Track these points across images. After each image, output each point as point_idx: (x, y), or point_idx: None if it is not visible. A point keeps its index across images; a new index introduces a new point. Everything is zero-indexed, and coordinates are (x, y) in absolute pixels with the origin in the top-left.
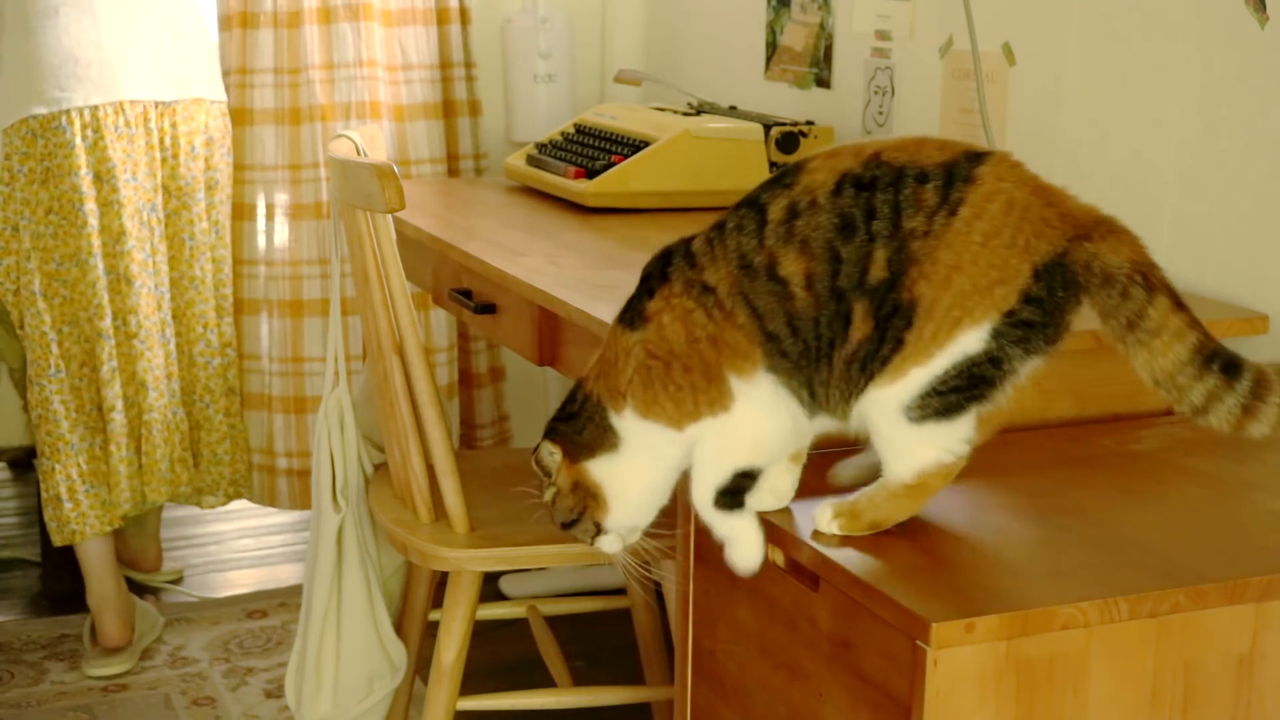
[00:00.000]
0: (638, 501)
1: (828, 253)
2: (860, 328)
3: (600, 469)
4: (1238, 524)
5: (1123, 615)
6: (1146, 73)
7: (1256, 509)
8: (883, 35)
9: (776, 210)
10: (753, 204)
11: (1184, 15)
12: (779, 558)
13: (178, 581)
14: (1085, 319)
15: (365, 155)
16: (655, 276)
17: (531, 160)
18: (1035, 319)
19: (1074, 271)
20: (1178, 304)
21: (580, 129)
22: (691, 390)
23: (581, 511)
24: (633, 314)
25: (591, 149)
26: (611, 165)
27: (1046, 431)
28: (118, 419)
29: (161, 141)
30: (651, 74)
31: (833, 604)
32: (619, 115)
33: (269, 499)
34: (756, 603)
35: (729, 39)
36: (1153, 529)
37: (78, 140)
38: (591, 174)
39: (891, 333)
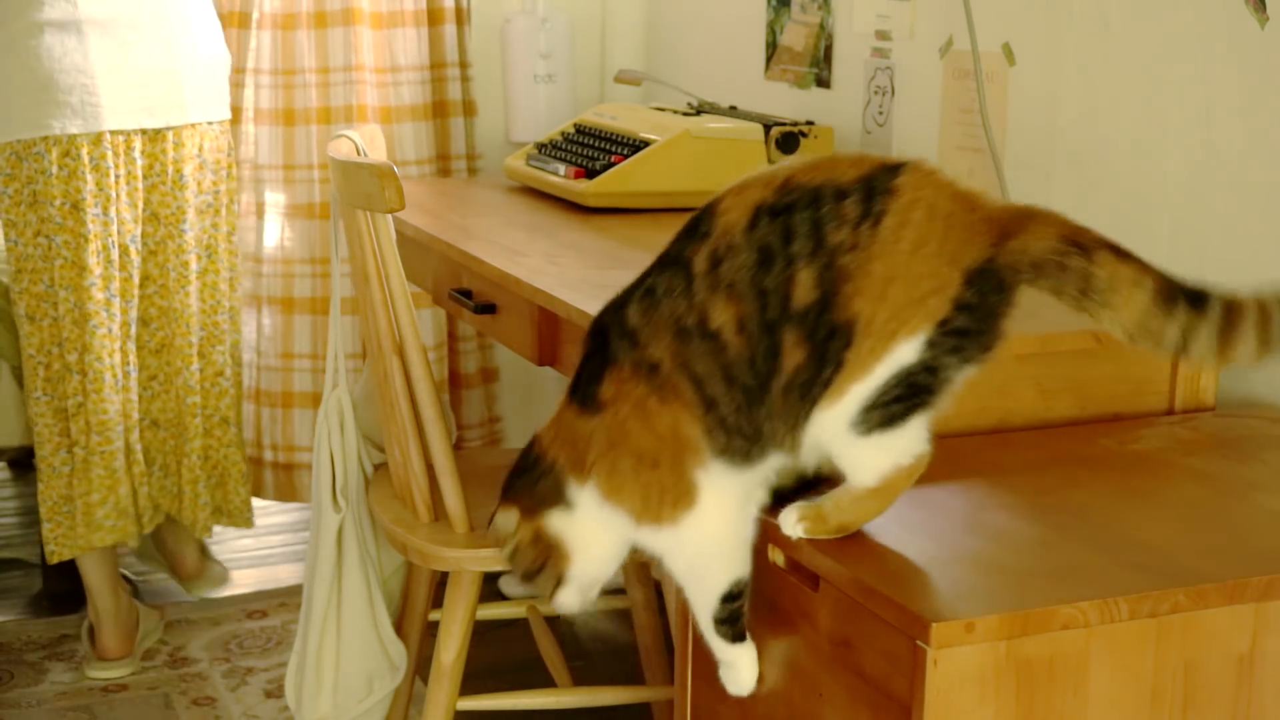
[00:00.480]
0: (600, 556)
1: (753, 290)
2: (792, 355)
3: (560, 522)
4: (1238, 524)
5: (1123, 615)
6: (1146, 73)
7: (1256, 509)
8: (883, 35)
9: (700, 263)
10: (677, 260)
11: (1184, 15)
12: (779, 558)
13: (221, 582)
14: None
15: (365, 155)
16: (599, 354)
17: (531, 160)
18: (969, 326)
19: (1003, 275)
20: (1122, 255)
21: (580, 129)
22: (659, 488)
23: (544, 562)
24: (585, 395)
25: (591, 149)
26: (611, 165)
27: (1046, 431)
28: (79, 454)
29: (150, 169)
30: (651, 74)
31: (833, 604)
32: (619, 115)
33: (255, 490)
34: (757, 603)
35: (729, 39)
36: (1153, 529)
37: (54, 169)
38: (591, 174)
39: (831, 355)
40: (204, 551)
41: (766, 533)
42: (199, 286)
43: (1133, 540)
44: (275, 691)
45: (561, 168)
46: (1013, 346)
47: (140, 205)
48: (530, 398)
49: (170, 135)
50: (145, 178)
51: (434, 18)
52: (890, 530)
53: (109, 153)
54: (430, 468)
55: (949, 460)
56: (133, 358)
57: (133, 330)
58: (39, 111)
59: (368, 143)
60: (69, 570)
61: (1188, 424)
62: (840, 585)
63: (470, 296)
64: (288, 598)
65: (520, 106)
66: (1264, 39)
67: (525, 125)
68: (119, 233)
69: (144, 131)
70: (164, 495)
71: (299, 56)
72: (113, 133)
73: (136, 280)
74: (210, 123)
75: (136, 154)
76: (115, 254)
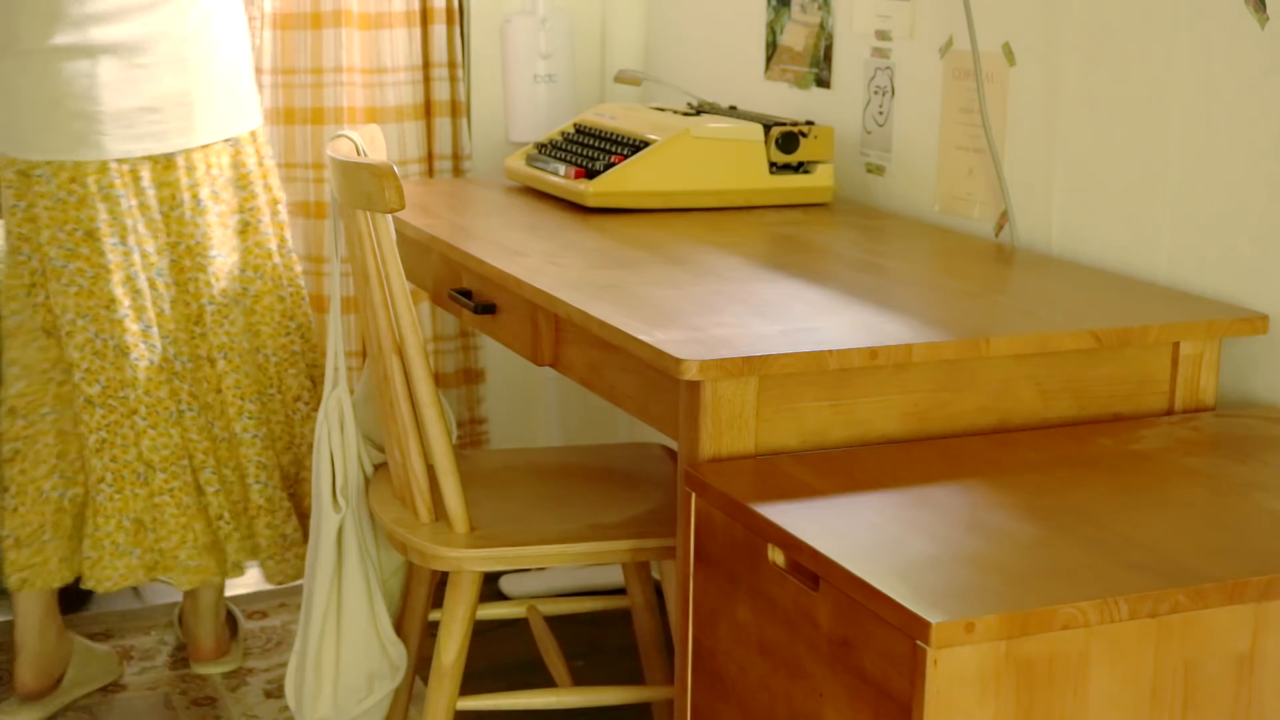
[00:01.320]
0: None
1: None
2: None
3: None
4: (1238, 524)
5: (1123, 615)
6: (1146, 73)
7: (1256, 509)
8: (883, 35)
9: None
10: None
11: (1184, 15)
12: (779, 558)
13: (229, 673)
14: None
15: (365, 155)
16: None
17: (532, 160)
18: None
19: None
20: None
21: (580, 129)
22: None
23: None
24: None
25: (591, 149)
26: (611, 165)
27: (1046, 431)
28: (106, 491)
29: (167, 198)
30: (651, 74)
31: (833, 604)
32: (619, 115)
33: None
34: (756, 603)
35: (729, 39)
36: (1153, 529)
37: (61, 194)
38: (591, 174)
39: None
40: (234, 631)
41: (766, 532)
42: (259, 309)
43: (1133, 540)
44: (275, 691)
45: (561, 168)
46: (1012, 346)
47: (162, 237)
48: (520, 400)
49: (181, 160)
50: (161, 207)
51: (425, 18)
52: (890, 530)
53: (116, 181)
54: (430, 468)
55: (949, 460)
56: (185, 396)
57: (177, 368)
58: (44, 135)
59: (368, 143)
60: None
61: (1188, 424)
62: (840, 585)
63: (470, 296)
64: (288, 598)
65: (520, 106)
66: (1264, 39)
67: (525, 125)
68: (143, 265)
69: (153, 159)
70: (199, 537)
71: (297, 56)
72: (119, 161)
73: (171, 314)
74: (228, 140)
75: (146, 183)
76: (143, 284)
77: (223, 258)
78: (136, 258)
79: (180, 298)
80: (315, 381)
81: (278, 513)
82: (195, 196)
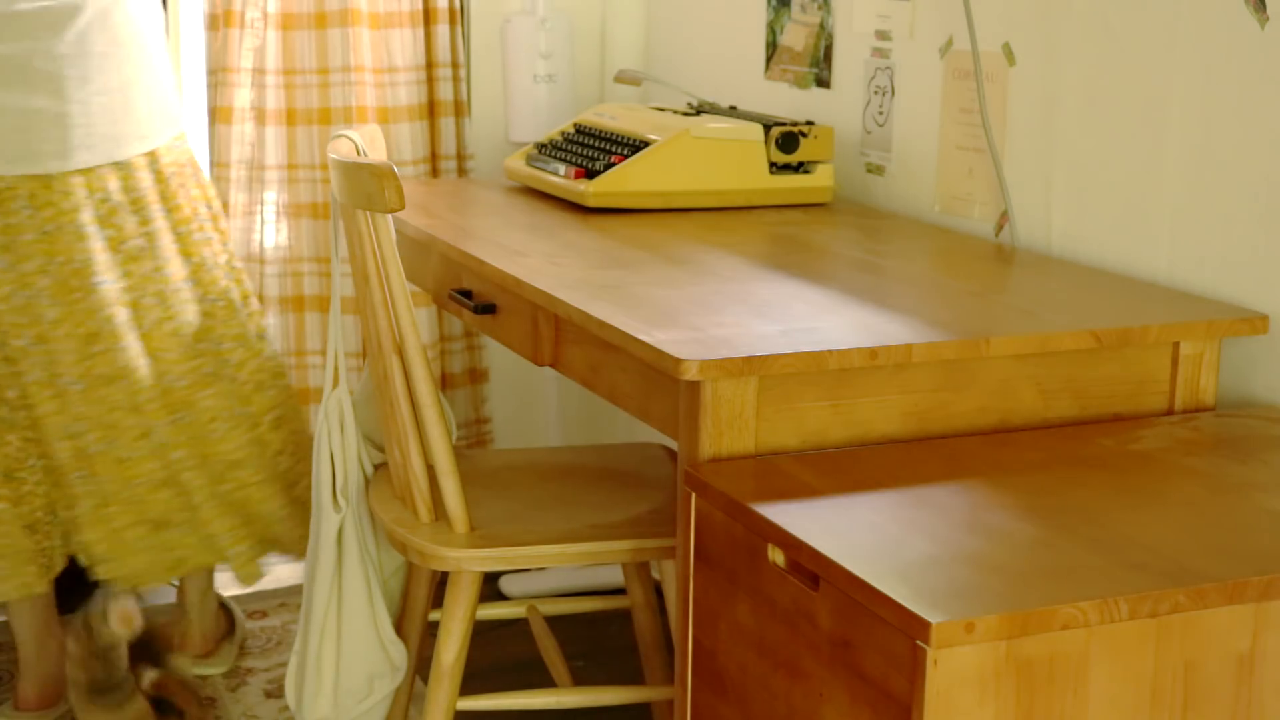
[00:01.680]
0: None
1: None
2: None
3: None
4: (1238, 524)
5: (1123, 615)
6: (1146, 73)
7: (1256, 509)
8: (883, 35)
9: None
10: None
11: (1184, 15)
12: (779, 558)
13: (229, 673)
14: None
15: (365, 155)
16: None
17: (532, 160)
18: None
19: None
20: None
21: (580, 129)
22: None
23: None
24: None
25: (591, 149)
26: (611, 165)
27: (1046, 431)
28: (44, 486)
29: (50, 220)
30: (651, 74)
31: (833, 604)
32: (619, 115)
33: None
34: (756, 603)
35: (729, 39)
36: (1153, 529)
37: None
38: (591, 174)
39: None
40: (232, 630)
41: (766, 532)
42: (157, 335)
43: (1133, 540)
44: (275, 691)
45: (561, 168)
46: (1013, 346)
47: (41, 258)
48: (523, 400)
49: (57, 183)
50: (44, 226)
51: (428, 18)
52: (890, 530)
53: None
54: (430, 468)
55: (949, 460)
56: (73, 415)
57: (62, 386)
58: None
59: (368, 143)
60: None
61: (1188, 424)
62: (840, 585)
63: (470, 297)
64: (288, 598)
65: (520, 106)
66: (1264, 39)
67: (525, 125)
68: (22, 284)
69: (28, 179)
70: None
71: (300, 57)
72: None
73: (59, 335)
74: (114, 164)
75: (21, 204)
76: (20, 301)
77: (110, 283)
78: (13, 275)
79: (70, 316)
80: (240, 399)
81: (212, 523)
82: (75, 221)
